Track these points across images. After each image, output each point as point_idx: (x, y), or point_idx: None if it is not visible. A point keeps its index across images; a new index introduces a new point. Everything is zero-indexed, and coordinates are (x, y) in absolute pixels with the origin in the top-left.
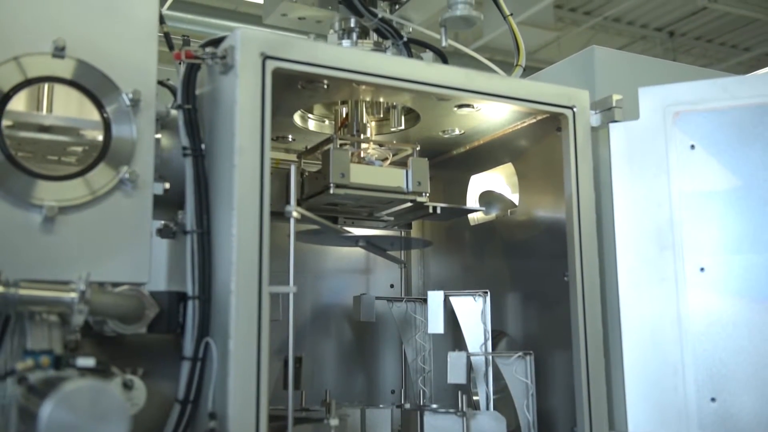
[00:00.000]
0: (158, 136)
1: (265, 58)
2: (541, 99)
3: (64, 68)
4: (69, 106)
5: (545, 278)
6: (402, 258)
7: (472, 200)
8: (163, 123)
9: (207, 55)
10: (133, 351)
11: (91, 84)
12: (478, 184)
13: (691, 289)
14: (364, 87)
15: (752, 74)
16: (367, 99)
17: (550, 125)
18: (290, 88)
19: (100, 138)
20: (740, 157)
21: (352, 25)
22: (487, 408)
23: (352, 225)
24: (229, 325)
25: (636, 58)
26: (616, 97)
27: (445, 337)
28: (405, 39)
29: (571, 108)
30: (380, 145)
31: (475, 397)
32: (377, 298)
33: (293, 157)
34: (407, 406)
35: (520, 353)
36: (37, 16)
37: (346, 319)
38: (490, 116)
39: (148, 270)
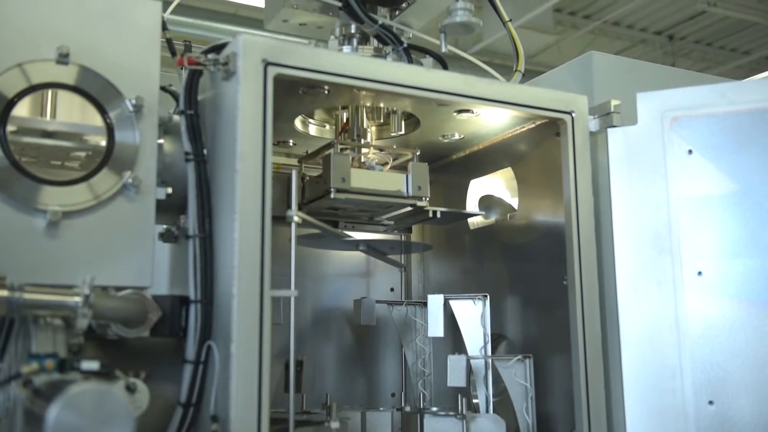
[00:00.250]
0: (161, 141)
1: (267, 64)
2: (539, 104)
3: (68, 74)
4: (72, 112)
5: (544, 282)
6: (402, 262)
7: (471, 204)
8: (165, 128)
9: (209, 61)
10: (135, 354)
11: (95, 90)
12: (478, 188)
13: (689, 293)
14: (364, 93)
15: (749, 80)
16: (368, 104)
17: (549, 130)
18: (291, 94)
19: (104, 143)
20: (737, 162)
21: (353, 31)
22: (487, 411)
23: (353, 229)
24: (231, 328)
25: (634, 63)
26: (614, 102)
27: (445, 340)
28: (405, 45)
29: (569, 113)
30: (380, 149)
31: (474, 400)
32: (377, 301)
33: (294, 161)
34: (407, 409)
35: (520, 356)
36: (40, 24)
37: (346, 322)
38: (490, 121)
39: (151, 274)
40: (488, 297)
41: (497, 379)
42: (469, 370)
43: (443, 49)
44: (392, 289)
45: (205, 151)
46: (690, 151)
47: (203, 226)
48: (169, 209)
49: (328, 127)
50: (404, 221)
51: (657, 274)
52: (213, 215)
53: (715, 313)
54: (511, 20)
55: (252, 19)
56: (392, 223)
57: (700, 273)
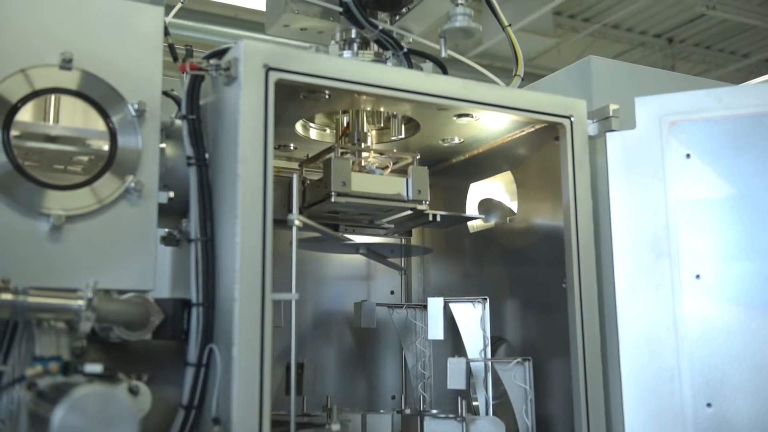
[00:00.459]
0: (163, 145)
1: (268, 69)
2: (539, 109)
3: (71, 80)
4: (75, 117)
5: (543, 285)
6: (402, 265)
7: (471, 208)
8: (167, 133)
9: (211, 66)
10: (137, 357)
11: (98, 95)
12: (478, 191)
13: (687, 296)
14: (365, 97)
15: (745, 84)
16: (368, 108)
17: (548, 134)
18: (292, 98)
19: (106, 148)
20: (734, 165)
21: (353, 36)
22: (487, 413)
23: (353, 232)
24: (233, 331)
25: (633, 67)
26: (613, 106)
27: (445, 343)
28: (405, 50)
29: (568, 117)
30: (381, 153)
31: (474, 403)
32: (378, 304)
33: (295, 165)
34: (407, 411)
35: (519, 359)
36: (44, 30)
37: (347, 325)
38: (489, 125)
39: (154, 277)
40: (488, 300)
41: (497, 382)
42: (469, 373)
43: (443, 54)
44: (392, 292)
45: (206, 156)
46: (688, 155)
47: (205, 229)
48: (171, 213)
49: (328, 131)
50: (404, 224)
51: (655, 277)
52: (214, 219)
53: (713, 316)
54: (510, 25)
55: (252, 22)
56: (392, 226)
57: (698, 276)
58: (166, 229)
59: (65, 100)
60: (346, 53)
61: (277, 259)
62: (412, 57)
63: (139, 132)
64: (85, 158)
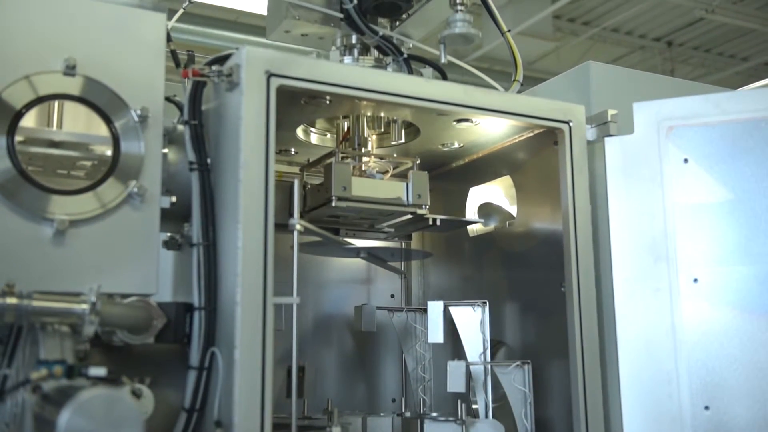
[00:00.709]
0: (165, 150)
1: (270, 75)
2: (537, 114)
3: (75, 86)
4: (79, 123)
5: (543, 289)
6: (402, 269)
7: (471, 212)
8: (170, 138)
9: (213, 73)
10: (140, 360)
11: (101, 101)
12: (477, 196)
13: (685, 300)
14: (365, 102)
15: (742, 90)
16: (369, 114)
17: (547, 139)
18: (293, 104)
19: (109, 153)
20: (732, 170)
21: (354, 41)
22: (486, 416)
23: (354, 236)
24: (235, 335)
25: (631, 72)
26: (611, 111)
27: (445, 346)
28: (405, 55)
29: (567, 122)
30: (381, 158)
31: (474, 406)
32: (378, 308)
33: (296, 170)
34: (408, 414)
35: (519, 362)
36: (47, 36)
37: (347, 328)
38: (489, 130)
39: (156, 281)
40: (487, 303)
41: (496, 385)
42: (469, 376)
43: (443, 60)
44: (393, 296)
45: (208, 161)
46: (686, 160)
47: (207, 234)
48: (173, 218)
49: (329, 135)
50: (404, 229)
51: (653, 281)
52: (216, 223)
53: (710, 319)
54: (509, 30)
55: (252, 26)
56: (392, 230)
57: (695, 280)
58: (169, 234)
59: (69, 105)
60: (347, 59)
61: (278, 263)
62: (412, 63)
63: (141, 137)
64: (89, 163)
